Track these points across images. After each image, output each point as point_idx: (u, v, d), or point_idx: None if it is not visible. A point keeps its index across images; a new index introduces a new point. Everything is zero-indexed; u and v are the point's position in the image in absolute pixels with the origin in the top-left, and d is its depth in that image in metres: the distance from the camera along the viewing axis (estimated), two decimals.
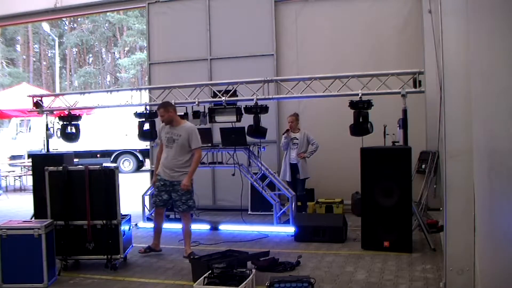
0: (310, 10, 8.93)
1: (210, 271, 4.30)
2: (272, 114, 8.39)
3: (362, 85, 6.60)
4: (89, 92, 8.84)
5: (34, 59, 38.38)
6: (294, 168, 7.82)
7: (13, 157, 17.78)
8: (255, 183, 7.38)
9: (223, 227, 7.48)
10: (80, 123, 8.06)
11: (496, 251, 3.62)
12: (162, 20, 9.59)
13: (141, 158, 18.55)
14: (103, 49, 39.53)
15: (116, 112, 14.49)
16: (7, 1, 10.53)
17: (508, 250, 3.42)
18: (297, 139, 7.84)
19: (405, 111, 6.20)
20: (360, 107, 6.40)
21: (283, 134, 7.89)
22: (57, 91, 27.41)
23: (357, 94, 6.43)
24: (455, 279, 4.13)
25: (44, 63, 39.11)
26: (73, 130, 7.94)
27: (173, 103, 6.33)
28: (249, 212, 8.60)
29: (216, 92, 7.26)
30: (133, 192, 9.53)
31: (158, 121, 7.57)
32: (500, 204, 3.60)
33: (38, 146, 16.69)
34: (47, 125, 8.16)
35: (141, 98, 7.77)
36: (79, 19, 34.68)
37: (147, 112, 7.54)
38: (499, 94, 3.59)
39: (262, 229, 7.15)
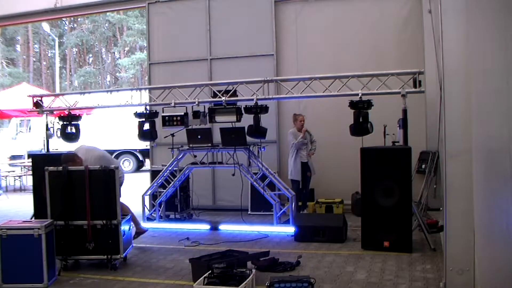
0: (310, 10, 8.93)
1: (210, 271, 4.30)
2: (272, 114, 8.39)
3: (362, 85, 6.60)
4: (89, 92, 8.84)
5: (34, 59, 38.38)
6: (305, 167, 7.92)
7: (13, 157, 17.78)
8: (255, 183, 7.38)
9: (223, 227, 7.48)
10: (80, 123, 8.06)
11: (494, 250, 3.62)
12: (162, 20, 9.59)
13: (141, 158, 18.53)
14: (103, 49, 39.53)
15: (116, 112, 14.49)
16: (7, 1, 10.52)
17: (506, 249, 3.43)
18: (305, 138, 7.91)
19: (405, 111, 6.19)
20: (360, 107, 6.40)
21: (301, 136, 7.84)
22: (57, 91, 27.41)
23: (357, 94, 6.43)
24: (455, 279, 4.13)
25: (44, 63, 39.11)
26: (73, 130, 7.93)
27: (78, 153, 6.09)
28: (249, 212, 8.60)
29: (216, 92, 7.26)
30: (133, 192, 9.53)
31: (158, 121, 7.61)
32: (498, 204, 3.60)
33: (38, 146, 16.68)
34: (47, 125, 8.16)
35: (141, 98, 7.76)
36: (79, 19, 34.69)
37: (147, 112, 7.54)
38: (496, 94, 3.60)
39: (262, 229, 7.15)
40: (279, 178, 7.73)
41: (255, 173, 7.54)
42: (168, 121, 7.42)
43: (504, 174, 3.45)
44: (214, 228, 7.48)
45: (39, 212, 6.96)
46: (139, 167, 18.73)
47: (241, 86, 7.25)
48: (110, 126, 17.17)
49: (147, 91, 8.04)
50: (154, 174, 8.38)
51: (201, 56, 9.36)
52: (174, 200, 8.23)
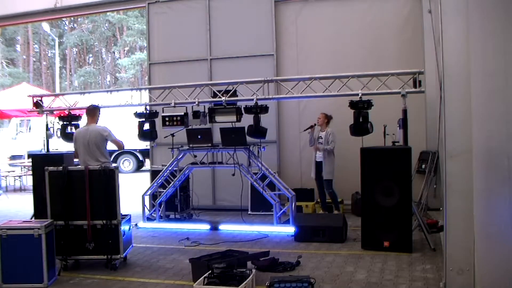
0: (310, 10, 8.93)
1: (210, 271, 4.30)
2: (272, 114, 8.39)
3: (362, 85, 6.60)
4: (89, 92, 8.84)
5: (34, 59, 38.36)
6: (319, 166, 7.78)
7: (13, 157, 17.77)
8: (255, 183, 7.38)
9: (223, 227, 7.48)
10: (80, 123, 8.06)
11: (493, 250, 3.63)
12: (162, 20, 9.59)
13: (141, 158, 18.53)
14: (103, 49, 39.52)
15: (116, 112, 14.48)
16: (7, 1, 10.53)
17: (505, 249, 3.43)
18: (322, 138, 7.76)
19: (405, 111, 6.20)
20: (360, 107, 6.40)
21: (307, 129, 7.79)
22: (57, 91, 27.40)
23: (357, 94, 6.44)
24: (455, 279, 4.13)
25: (44, 63, 39.09)
26: (73, 130, 7.93)
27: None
28: (249, 212, 8.60)
29: (216, 92, 7.26)
30: (133, 192, 9.53)
31: (158, 121, 7.61)
32: (496, 204, 3.60)
33: (38, 146, 16.68)
34: (47, 125, 8.17)
35: (141, 98, 7.77)
36: (79, 19, 34.66)
37: (147, 112, 7.55)
38: (495, 94, 3.60)
39: (262, 229, 7.15)
40: (279, 178, 7.73)
41: (255, 173, 7.54)
42: (168, 121, 7.43)
43: (502, 174, 3.46)
44: (214, 228, 7.48)
45: (39, 212, 6.96)
46: (139, 167, 18.73)
47: (241, 86, 7.25)
48: (110, 126, 17.14)
49: (147, 91, 8.05)
50: (154, 174, 8.38)
51: (201, 56, 9.36)
52: (174, 200, 8.23)
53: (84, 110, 6.46)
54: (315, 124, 7.81)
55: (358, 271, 5.13)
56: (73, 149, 6.37)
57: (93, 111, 6.30)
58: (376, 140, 6.56)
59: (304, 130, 7.90)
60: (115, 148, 6.56)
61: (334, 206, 7.90)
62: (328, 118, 7.79)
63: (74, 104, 8.10)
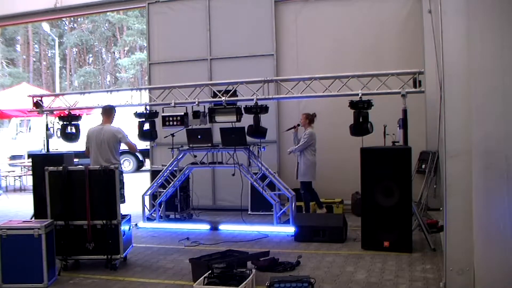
0: (310, 10, 8.93)
1: (210, 271, 4.30)
2: (272, 114, 8.39)
3: (362, 85, 6.60)
4: (89, 92, 8.85)
5: (34, 59, 38.34)
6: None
7: (13, 157, 17.76)
8: (255, 183, 7.38)
9: (223, 227, 7.48)
10: (80, 123, 8.07)
11: (493, 250, 3.63)
12: (162, 20, 9.60)
13: (141, 158, 18.53)
14: (103, 49, 39.51)
15: (116, 112, 14.47)
16: (7, 1, 10.53)
17: (504, 249, 3.43)
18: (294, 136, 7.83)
19: (405, 111, 6.20)
20: (360, 107, 6.41)
21: (289, 129, 7.82)
22: (57, 91, 27.39)
23: (357, 94, 6.44)
24: (455, 279, 4.13)
25: (44, 63, 39.07)
26: (73, 130, 7.94)
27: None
28: (249, 212, 8.60)
29: (216, 92, 7.27)
30: (133, 192, 9.53)
31: (158, 121, 7.61)
32: (495, 204, 3.60)
33: (38, 146, 16.66)
34: (47, 125, 8.17)
35: (141, 98, 7.77)
36: (79, 19, 34.66)
37: (147, 112, 7.55)
38: (493, 94, 3.60)
39: (262, 229, 7.15)
40: (279, 178, 7.73)
41: (255, 173, 7.54)
42: (168, 121, 7.43)
43: (500, 174, 3.46)
44: (214, 228, 7.48)
45: (39, 212, 6.96)
46: (139, 167, 18.72)
47: (241, 86, 7.26)
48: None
49: (147, 91, 8.05)
50: (154, 174, 8.39)
51: (201, 56, 9.36)
52: (174, 200, 8.23)
53: (85, 110, 6.49)
54: (298, 125, 7.78)
55: (358, 271, 5.13)
56: (85, 147, 6.41)
57: (109, 111, 6.40)
58: (376, 140, 6.56)
59: (287, 130, 7.93)
60: (126, 149, 6.63)
61: (305, 208, 7.79)
62: (309, 118, 7.73)
63: (74, 104, 8.10)
